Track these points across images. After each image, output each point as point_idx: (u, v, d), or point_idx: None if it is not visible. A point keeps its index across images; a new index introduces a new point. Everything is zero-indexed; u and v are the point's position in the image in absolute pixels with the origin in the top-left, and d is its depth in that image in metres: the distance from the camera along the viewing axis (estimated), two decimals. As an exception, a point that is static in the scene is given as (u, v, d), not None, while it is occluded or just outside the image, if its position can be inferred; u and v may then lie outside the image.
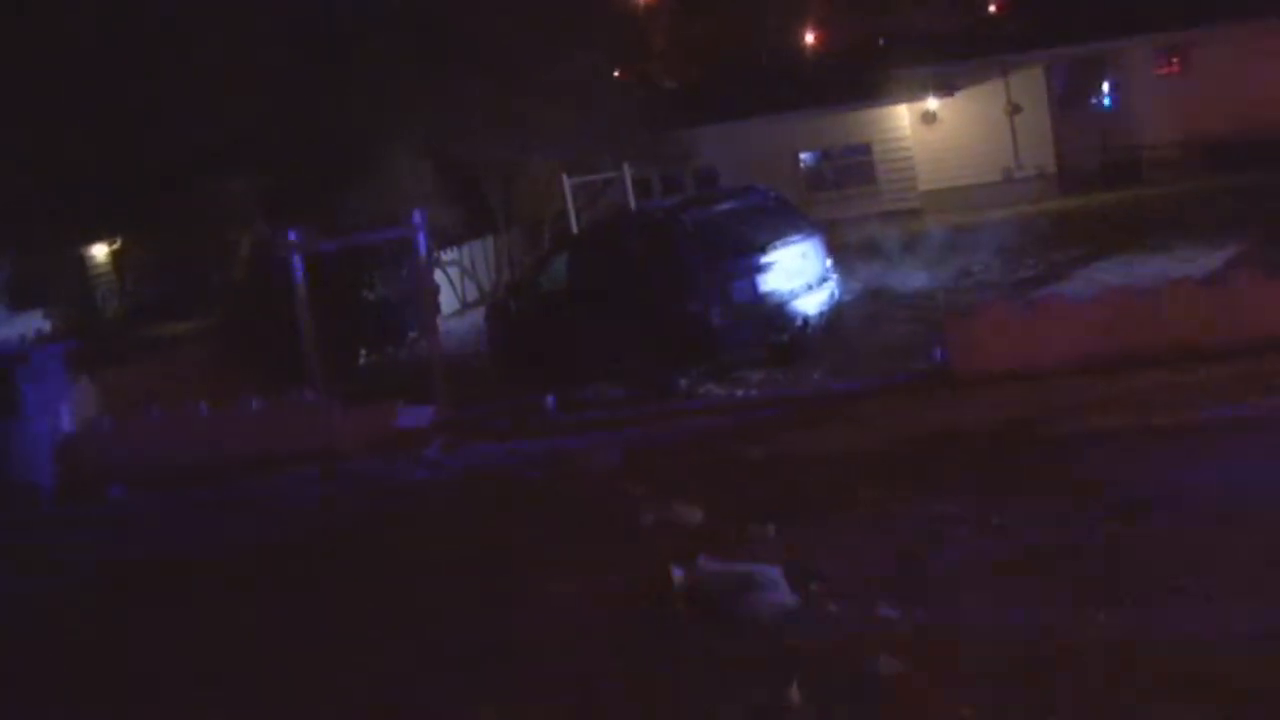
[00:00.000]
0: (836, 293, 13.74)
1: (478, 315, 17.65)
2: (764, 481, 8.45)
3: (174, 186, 18.08)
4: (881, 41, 29.33)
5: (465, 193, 22.48)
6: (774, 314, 12.95)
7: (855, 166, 27.59)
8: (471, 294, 23.08)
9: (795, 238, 13.34)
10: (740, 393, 12.66)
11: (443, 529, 8.80)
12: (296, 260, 14.41)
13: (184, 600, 8.11)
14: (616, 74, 27.58)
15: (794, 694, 5.03)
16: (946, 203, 25.48)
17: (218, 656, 6.86)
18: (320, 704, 6.01)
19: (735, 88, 28.27)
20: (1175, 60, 26.76)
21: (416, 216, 14.40)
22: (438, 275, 19.73)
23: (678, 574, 6.30)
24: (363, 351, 18.03)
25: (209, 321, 19.48)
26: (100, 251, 27.09)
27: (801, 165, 27.78)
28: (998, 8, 30.60)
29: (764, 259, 12.92)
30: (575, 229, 21.68)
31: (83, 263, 27.17)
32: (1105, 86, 27.32)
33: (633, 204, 22.40)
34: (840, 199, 26.05)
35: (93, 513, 11.36)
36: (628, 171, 22.87)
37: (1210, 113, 24.67)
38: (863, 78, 26.24)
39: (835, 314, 13.68)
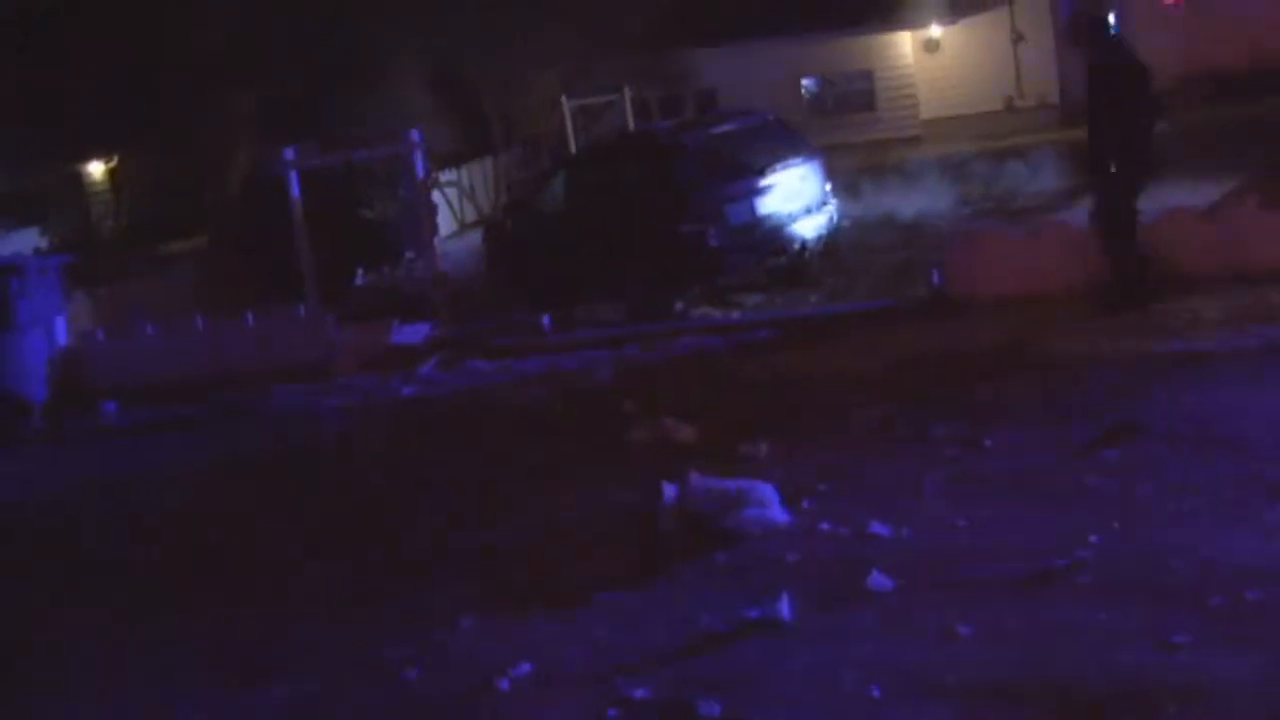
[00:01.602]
0: (835, 217, 13.67)
1: (476, 237, 17.55)
2: (758, 401, 8.44)
3: (171, 101, 17.93)
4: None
5: (465, 112, 22.33)
6: (771, 237, 12.91)
7: (857, 93, 27.37)
8: (470, 215, 22.98)
9: (794, 161, 13.26)
10: (736, 314, 12.62)
11: (433, 444, 8.80)
12: (293, 177, 14.30)
13: (157, 516, 8.11)
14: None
15: (783, 608, 5.04)
16: (948, 131, 25.30)
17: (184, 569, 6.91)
18: (303, 609, 6.04)
19: (738, 9, 27.94)
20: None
21: (414, 134, 14.30)
22: (435, 195, 19.56)
23: (669, 490, 6.30)
24: (360, 270, 17.96)
25: (206, 239, 19.40)
26: (98, 170, 26.93)
27: (803, 90, 27.55)
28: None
29: (762, 181, 12.85)
30: (574, 149, 21.55)
31: (80, 181, 27.02)
32: (1110, 17, 27.02)
33: (632, 125, 22.23)
34: (841, 125, 25.85)
35: (80, 427, 11.36)
36: (627, 93, 22.67)
37: (1217, 43, 24.40)
38: (866, 2, 25.94)
39: (833, 238, 13.62)
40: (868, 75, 27.23)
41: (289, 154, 14.39)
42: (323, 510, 7.67)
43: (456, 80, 20.48)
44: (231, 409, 10.89)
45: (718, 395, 8.78)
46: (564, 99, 22.05)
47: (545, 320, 12.84)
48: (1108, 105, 9.06)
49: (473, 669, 5.02)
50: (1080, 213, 14.42)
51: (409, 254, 17.93)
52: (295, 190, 14.28)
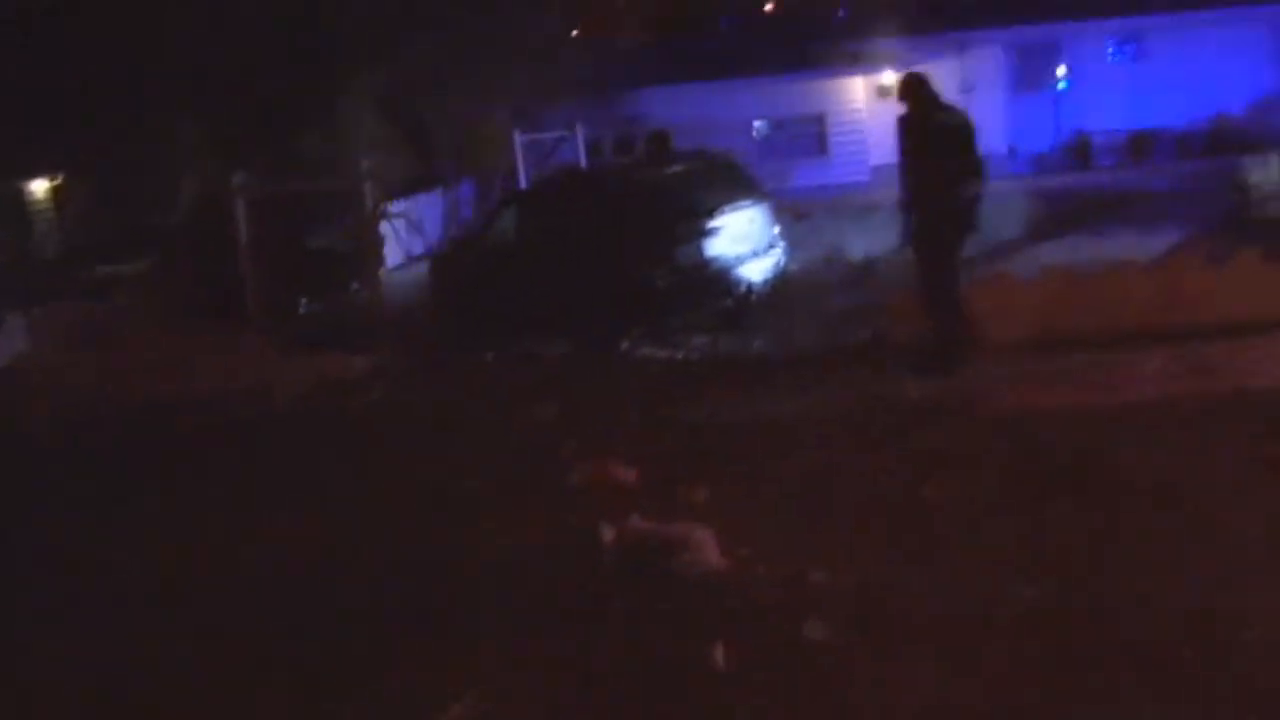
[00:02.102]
0: (783, 260, 13.74)
1: (423, 269, 17.49)
2: (699, 443, 8.40)
3: (119, 122, 17.73)
4: (840, 12, 29.33)
5: (416, 145, 22.25)
6: (719, 279, 12.95)
7: (808, 136, 27.62)
8: (418, 247, 22.87)
9: (743, 204, 13.33)
10: (681, 355, 12.62)
11: (367, 474, 8.67)
12: (240, 204, 14.21)
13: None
14: (575, 33, 27.39)
15: (717, 654, 4.99)
16: (897, 178, 25.53)
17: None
18: (221, 654, 5.88)
19: (691, 52, 28.18)
20: (1130, 46, 26.93)
21: (364, 165, 14.26)
22: (384, 226, 19.52)
23: (607, 532, 6.24)
24: (304, 300, 17.82)
25: (150, 263, 19.16)
26: (40, 187, 26.54)
27: (755, 132, 27.74)
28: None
29: (711, 223, 12.89)
30: (525, 186, 21.56)
31: (21, 198, 26.62)
32: (1060, 70, 27.45)
33: (584, 163, 22.28)
34: (792, 168, 26.06)
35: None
36: (580, 131, 22.72)
37: (1163, 101, 24.86)
38: (819, 48, 26.22)
39: (781, 281, 13.68)
40: (819, 119, 27.48)
41: (237, 180, 14.32)
42: (238, 546, 7.48)
43: (408, 112, 20.44)
44: (166, 432, 10.69)
45: (660, 437, 8.72)
46: (515, 134, 22.07)
47: (488, 355, 12.79)
48: (921, 162, 9.44)
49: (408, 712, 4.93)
50: (1022, 262, 14.75)
51: (354, 284, 17.84)
52: (242, 217, 14.19)
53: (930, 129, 9.48)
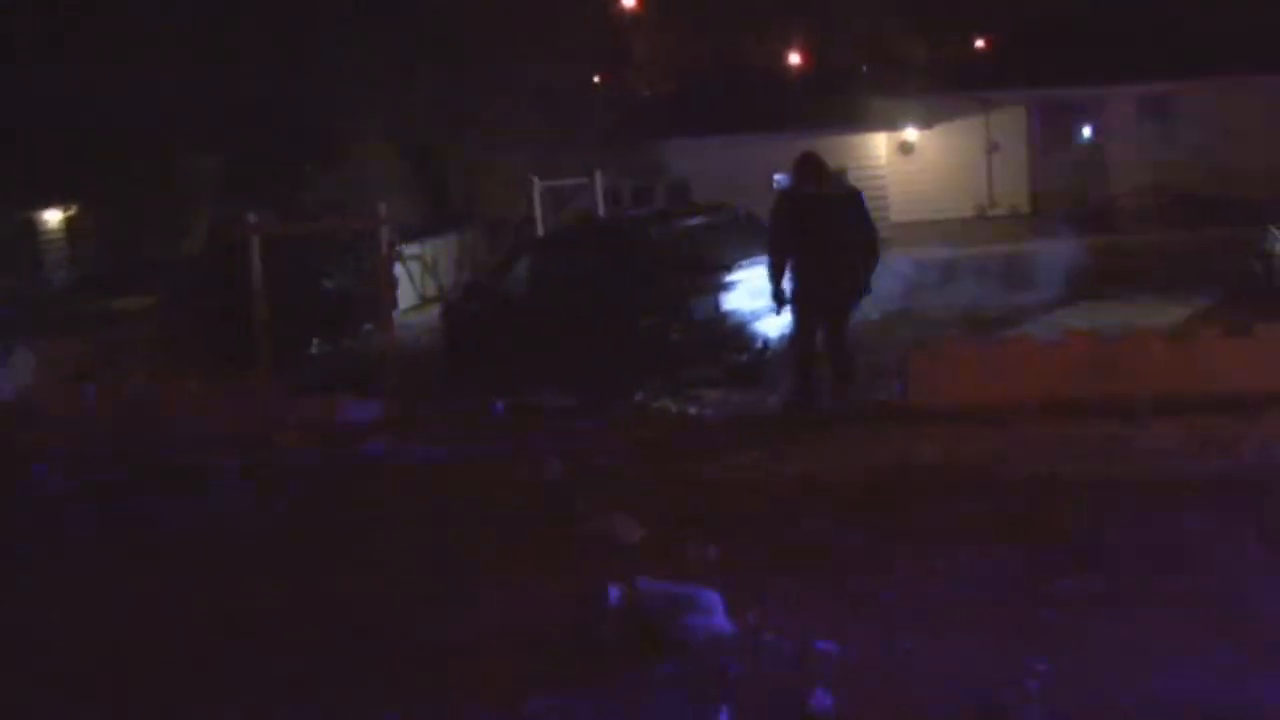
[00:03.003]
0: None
1: (436, 312, 17.52)
2: (710, 502, 8.35)
3: (135, 155, 17.88)
4: (865, 69, 29.47)
5: (432, 187, 22.39)
6: (734, 334, 12.94)
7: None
8: (431, 290, 22.94)
9: (762, 258, 13.30)
10: (694, 410, 12.58)
11: (367, 529, 8.63)
12: (253, 243, 14.25)
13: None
14: (596, 79, 27.57)
15: (721, 724, 4.94)
16: (917, 236, 25.59)
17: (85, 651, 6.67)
18: (220, 704, 5.84)
19: (714, 103, 28.33)
20: (1156, 110, 26.99)
21: (381, 208, 14.31)
22: (398, 269, 19.59)
23: (613, 592, 6.19)
24: (315, 341, 17.86)
25: (160, 298, 19.25)
26: (54, 218, 26.70)
27: (775, 185, 27.80)
28: (985, 44, 30.81)
29: (728, 277, 12.89)
30: (541, 233, 21.63)
31: (34, 228, 26.77)
32: (1086, 131, 27.54)
33: (601, 212, 22.35)
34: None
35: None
36: (599, 179, 22.80)
37: (1188, 164, 24.91)
38: (843, 103, 26.35)
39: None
40: (841, 175, 27.50)
41: (251, 218, 14.37)
42: (242, 595, 7.44)
43: (425, 155, 20.58)
44: (165, 478, 10.62)
45: (670, 494, 8.68)
46: (534, 180, 22.15)
47: (498, 406, 12.77)
48: (800, 234, 10.65)
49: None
50: (1043, 325, 14.76)
51: (367, 326, 17.87)
52: (254, 256, 14.22)
53: (827, 203, 10.75)
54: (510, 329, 13.91)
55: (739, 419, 11.74)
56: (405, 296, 21.13)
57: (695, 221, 13.84)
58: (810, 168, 10.97)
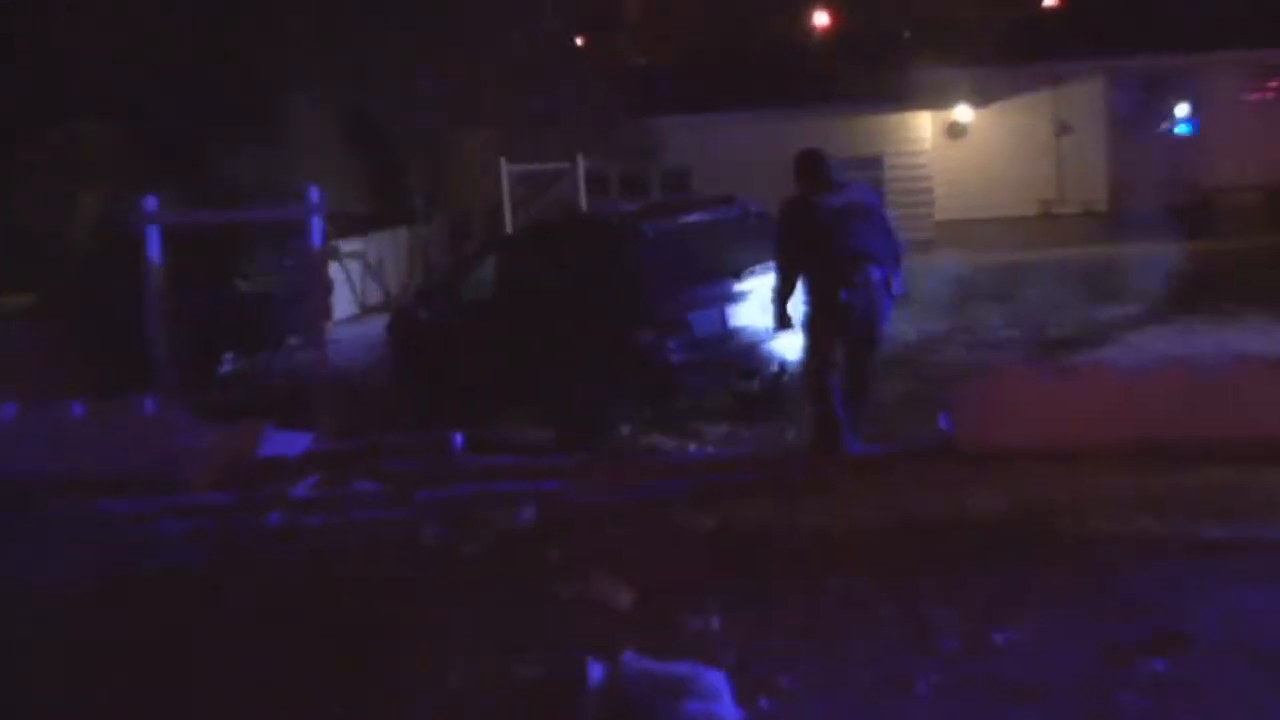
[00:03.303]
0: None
1: (379, 324, 17.52)
2: (713, 560, 8.34)
3: (4, 124, 17.84)
4: (906, 33, 29.47)
5: (380, 171, 22.39)
6: (745, 355, 12.93)
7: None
8: (375, 296, 22.95)
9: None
10: (694, 448, 12.58)
11: (297, 596, 8.57)
12: (153, 233, 14.18)
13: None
14: (580, 43, 27.61)
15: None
16: (968, 237, 25.65)
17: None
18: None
19: (721, 74, 28.33)
20: (1270, 84, 26.73)
21: (313, 193, 14.25)
22: (334, 269, 19.56)
23: (596, 671, 6.17)
24: (229, 356, 17.81)
25: (36, 300, 19.16)
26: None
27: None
28: (1057, 1, 30.63)
29: (738, 286, 12.88)
30: (511, 227, 21.64)
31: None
32: (1179, 111, 27.44)
33: (584, 204, 22.36)
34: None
35: None
36: (581, 164, 22.82)
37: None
38: (879, 75, 26.33)
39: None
40: (876, 162, 27.56)
41: (149, 204, 14.27)
42: (131, 679, 7.36)
43: (372, 132, 20.59)
44: (36, 525, 10.51)
45: (664, 550, 8.67)
46: (503, 163, 22.16)
47: (457, 439, 12.74)
48: (810, 248, 10.93)
49: None
50: (1121, 348, 14.78)
51: (293, 339, 17.82)
52: (154, 249, 14.15)
53: (827, 211, 10.93)
54: (472, 345, 13.88)
55: (749, 459, 11.74)
56: (342, 303, 21.09)
57: (698, 218, 13.82)
58: (814, 168, 11.15)
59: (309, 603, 8.33)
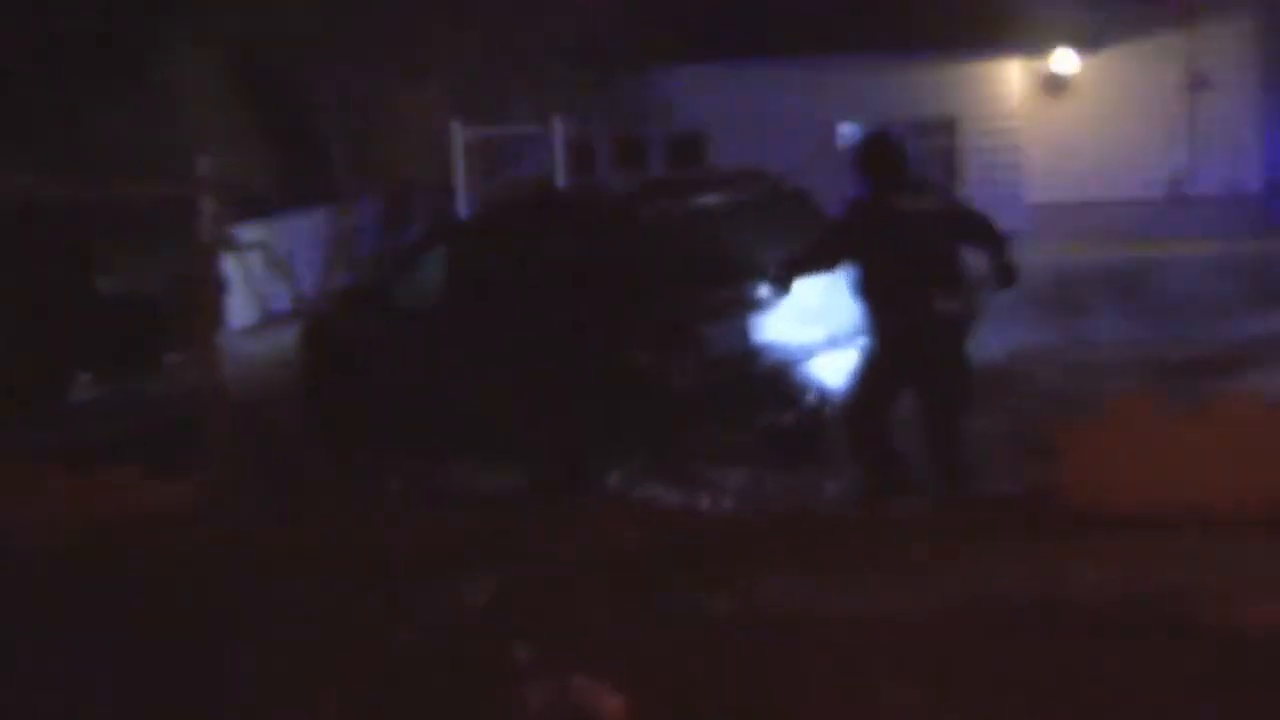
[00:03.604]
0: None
1: (290, 336, 17.52)
2: (726, 656, 8.25)
3: None
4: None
5: (292, 137, 22.38)
6: (774, 380, 13.01)
7: (929, 155, 27.71)
8: (283, 300, 22.89)
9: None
10: (706, 502, 12.55)
11: (175, 700, 8.52)
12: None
13: None
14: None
15: None
16: (1071, 225, 25.65)
17: None
18: None
19: (745, 10, 28.30)
20: None
21: (202, 165, 14.28)
22: (228, 265, 19.54)
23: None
24: (87, 378, 17.80)
25: None
26: None
27: (840, 144, 27.88)
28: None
29: (762, 290, 12.87)
30: (467, 211, 21.65)
31: None
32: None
33: (563, 180, 22.38)
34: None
35: None
36: (559, 128, 22.80)
37: None
38: (952, 11, 26.34)
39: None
40: (948, 126, 27.63)
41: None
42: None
43: (281, 87, 20.60)
44: None
45: (662, 640, 8.60)
46: (455, 128, 22.16)
47: (394, 486, 12.80)
48: (862, 260, 11.35)
49: None
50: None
51: (171, 356, 17.82)
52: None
53: (896, 217, 11.28)
54: (413, 366, 13.95)
55: (778, 518, 11.68)
56: (240, 309, 21.10)
57: (713, 199, 13.88)
58: (889, 160, 11.39)
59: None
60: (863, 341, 11.46)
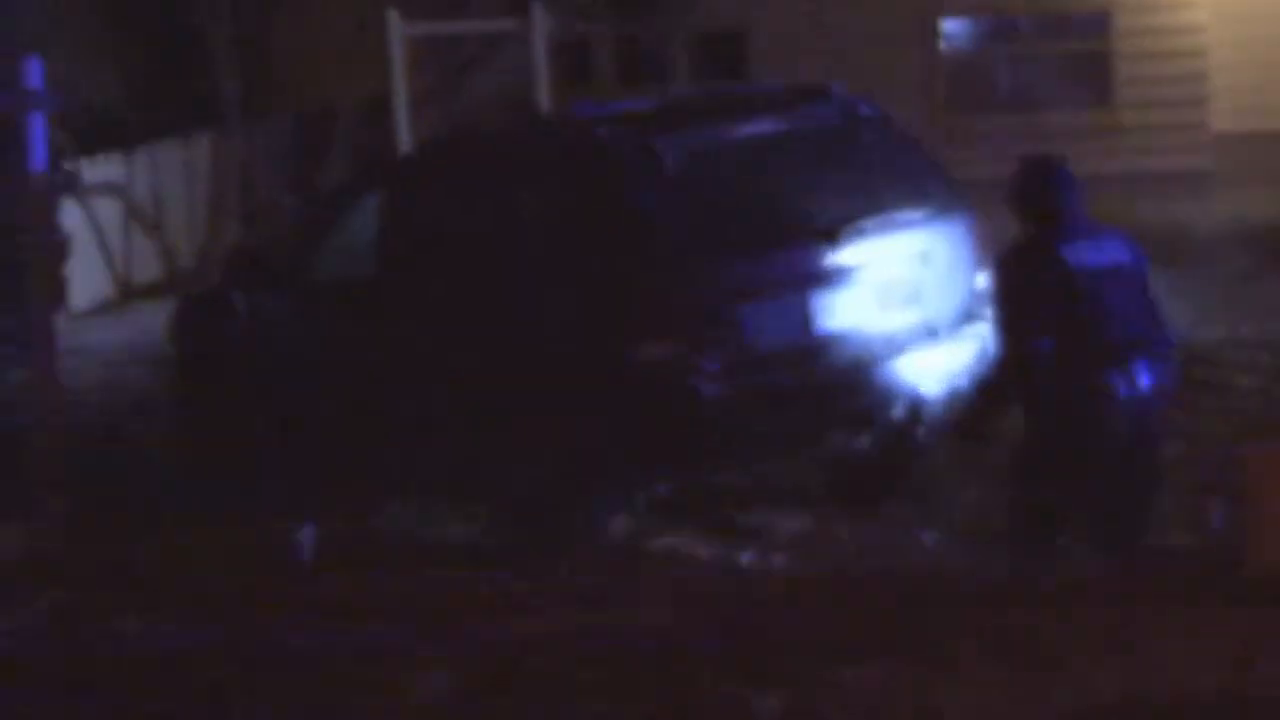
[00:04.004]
0: (992, 347, 13.80)
1: (159, 319, 17.59)
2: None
3: None
4: None
5: (161, 39, 22.51)
6: (842, 384, 12.99)
7: (1069, 64, 27.79)
8: (149, 267, 23.02)
9: (908, 216, 13.40)
10: (748, 556, 12.65)
11: None
12: None
13: None
14: None
15: None
16: (1273, 163, 25.58)
17: None
18: None
19: None
20: None
21: (32, 72, 14.34)
22: (68, 218, 19.70)
23: None
24: None
25: None
26: None
27: (943, 48, 27.96)
28: None
29: (830, 257, 12.96)
30: (411, 142, 21.72)
31: None
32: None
33: (544, 99, 22.46)
34: (1028, 134, 26.12)
35: None
36: (540, 21, 22.91)
37: None
38: None
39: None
40: (1098, 19, 27.65)
41: None
42: None
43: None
44: None
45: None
46: (393, 21, 22.26)
47: (305, 533, 12.86)
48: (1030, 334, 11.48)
49: None
50: None
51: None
52: None
53: (1078, 272, 11.38)
54: (337, 362, 13.97)
55: (850, 584, 11.77)
56: (87, 280, 21.17)
57: (759, 128, 13.88)
58: (1053, 193, 11.48)
59: None
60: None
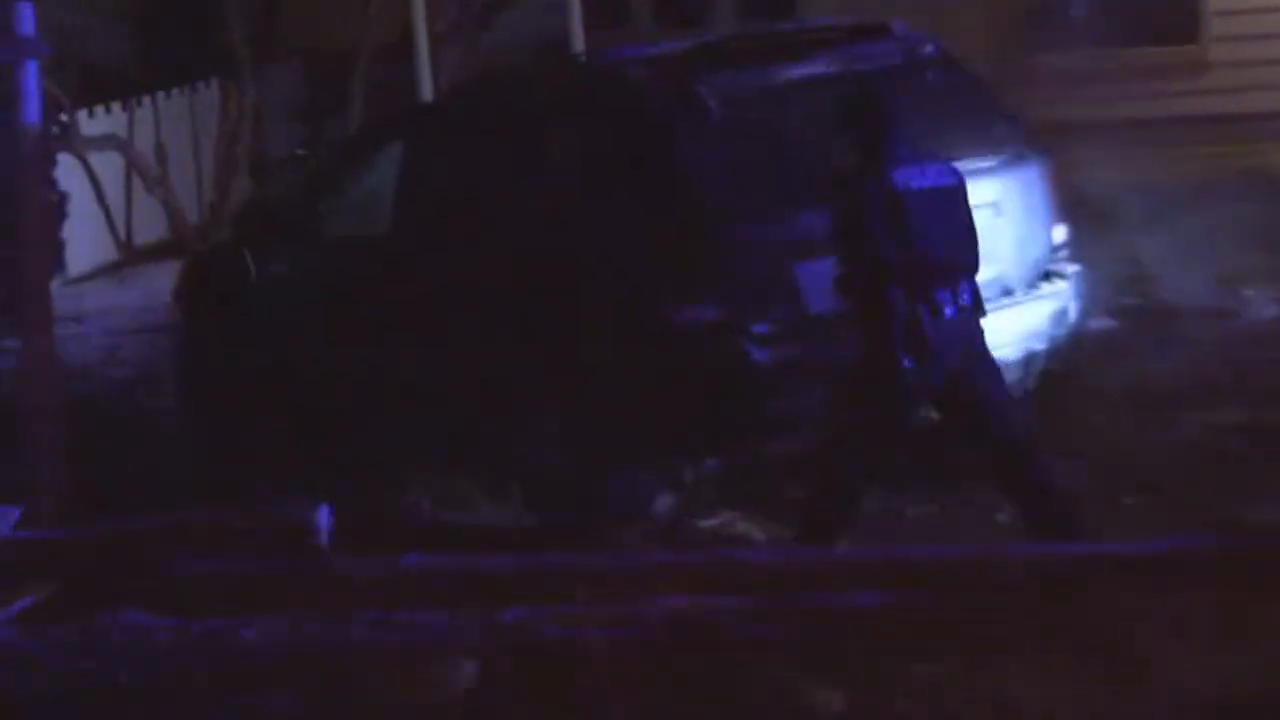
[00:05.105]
0: (1073, 308, 13.76)
1: (164, 284, 17.64)
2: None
3: None
4: None
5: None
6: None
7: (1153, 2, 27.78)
8: (153, 227, 23.06)
9: (981, 163, 13.36)
10: (820, 543, 12.60)
11: None
12: None
13: None
14: None
15: None
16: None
17: None
18: None
19: None
20: None
21: (25, 16, 14.36)
22: (67, 172, 19.75)
23: None
24: None
25: None
26: None
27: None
28: None
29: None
30: (434, 90, 21.74)
31: None
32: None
33: (580, 41, 22.46)
34: (1110, 77, 26.10)
35: None
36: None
37: None
38: None
39: (1067, 360, 13.72)
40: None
41: None
42: None
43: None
44: None
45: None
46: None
47: (321, 516, 12.86)
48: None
49: None
50: None
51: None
52: None
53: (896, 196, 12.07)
54: (351, 325, 13.97)
55: (919, 567, 11.73)
56: (86, 243, 21.22)
57: (812, 70, 13.86)
58: (872, 122, 12.12)
59: None
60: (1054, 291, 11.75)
